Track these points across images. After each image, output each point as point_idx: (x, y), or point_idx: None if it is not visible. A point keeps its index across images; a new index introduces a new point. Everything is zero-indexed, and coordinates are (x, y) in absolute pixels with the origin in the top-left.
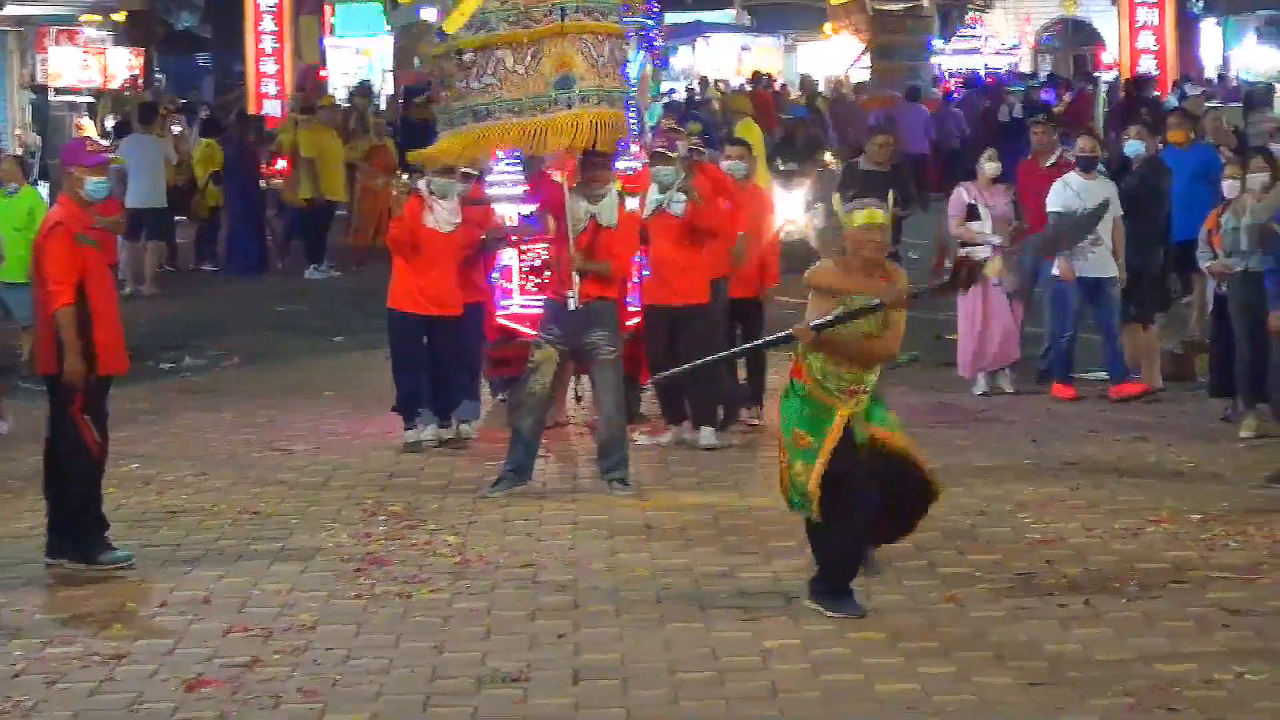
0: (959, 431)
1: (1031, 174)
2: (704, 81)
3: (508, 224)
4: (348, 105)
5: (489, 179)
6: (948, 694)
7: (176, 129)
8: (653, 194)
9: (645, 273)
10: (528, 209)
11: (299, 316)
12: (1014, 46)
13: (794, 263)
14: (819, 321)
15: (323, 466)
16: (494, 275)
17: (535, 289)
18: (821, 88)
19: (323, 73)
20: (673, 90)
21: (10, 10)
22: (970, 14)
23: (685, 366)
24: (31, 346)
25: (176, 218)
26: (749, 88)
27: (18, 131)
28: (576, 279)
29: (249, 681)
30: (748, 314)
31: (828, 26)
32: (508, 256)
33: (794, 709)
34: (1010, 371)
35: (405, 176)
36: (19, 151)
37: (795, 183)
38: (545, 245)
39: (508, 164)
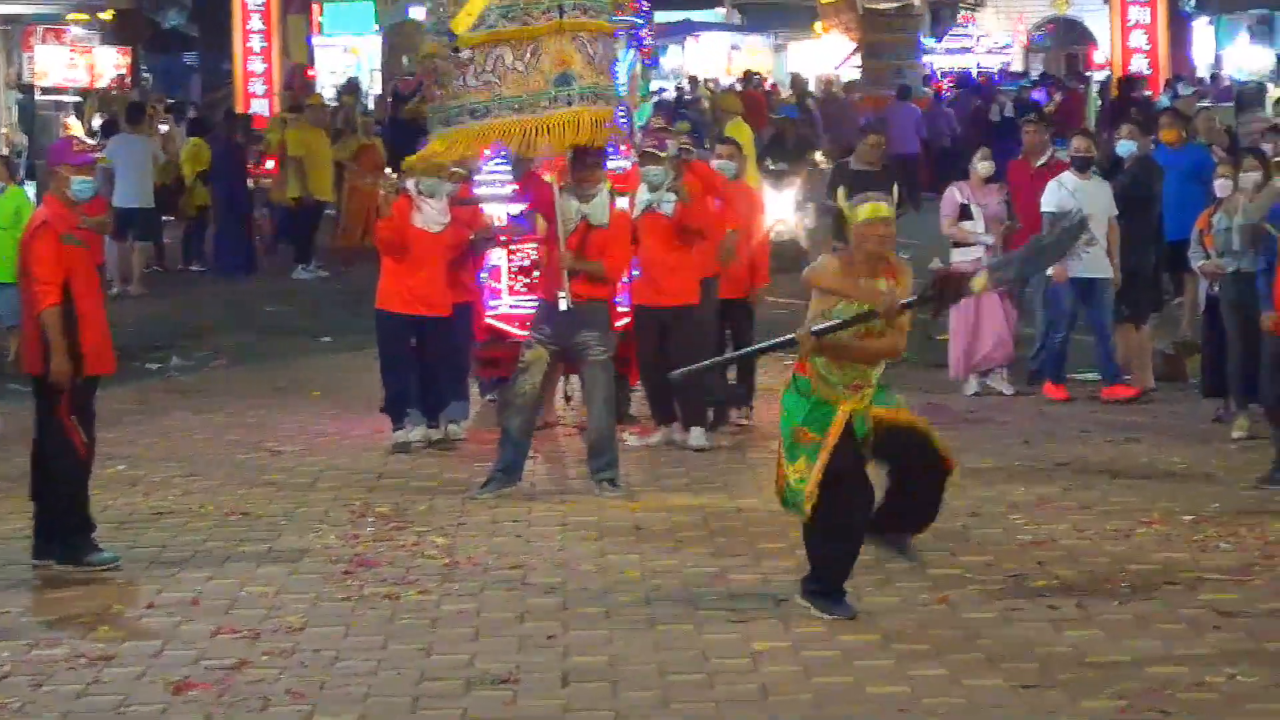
0: (950, 433)
1: (1022, 173)
2: (694, 80)
3: (496, 224)
4: (336, 104)
5: (477, 179)
6: (939, 696)
7: (164, 128)
8: (642, 194)
9: (635, 273)
10: (516, 209)
11: (287, 317)
12: (1006, 46)
13: (784, 263)
14: (819, 327)
15: (311, 467)
16: (483, 275)
17: (524, 289)
18: (812, 87)
19: (310, 72)
20: (662, 89)
21: None
22: (962, 13)
23: (703, 364)
24: (18, 347)
25: (164, 217)
26: (740, 87)
27: (4, 131)
28: (567, 279)
29: (237, 683)
30: (737, 314)
31: (818, 25)
32: (496, 257)
33: (784, 711)
34: (1006, 372)
35: (394, 176)
36: (5, 151)
37: (785, 183)
38: (534, 245)
39: (496, 164)
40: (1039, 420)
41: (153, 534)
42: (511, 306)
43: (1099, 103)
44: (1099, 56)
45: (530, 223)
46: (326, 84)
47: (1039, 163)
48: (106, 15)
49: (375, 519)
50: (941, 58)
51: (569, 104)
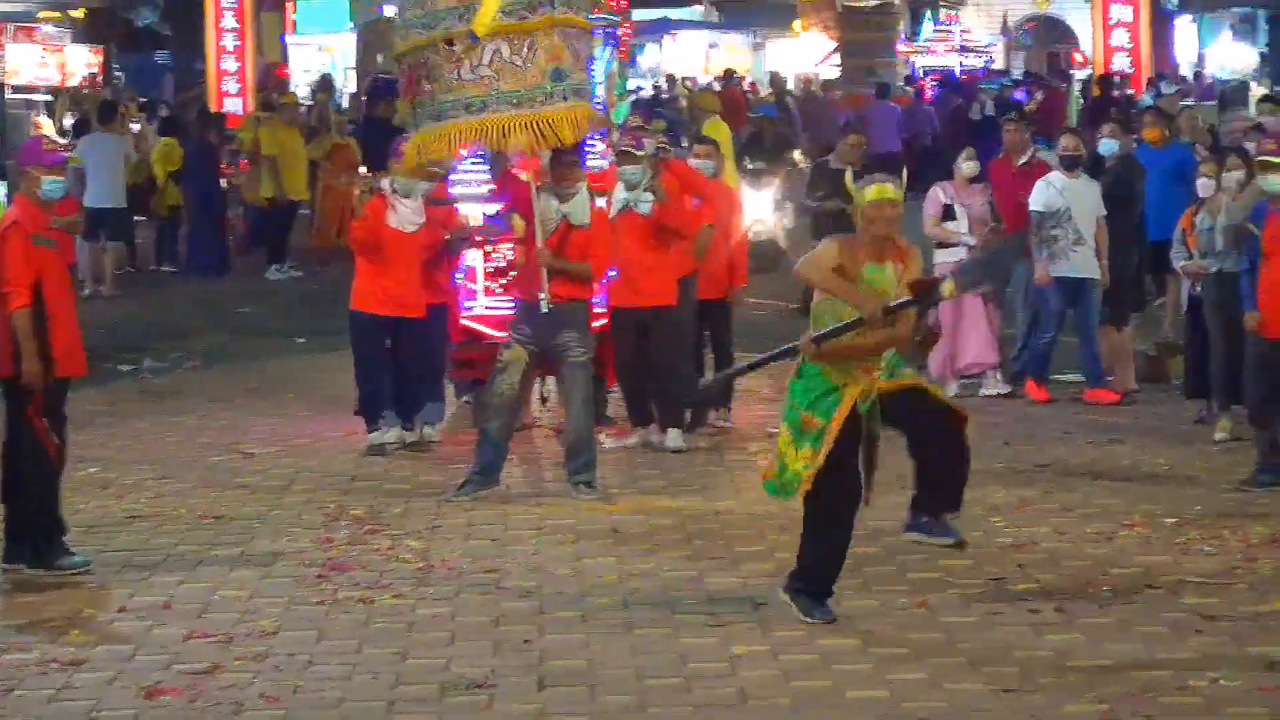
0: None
1: (1004, 172)
2: (671, 79)
3: (472, 224)
4: (310, 103)
5: (453, 178)
6: (919, 701)
7: (136, 127)
8: (619, 193)
9: (611, 273)
10: (492, 209)
11: (260, 318)
12: (989, 44)
13: (762, 263)
14: (819, 334)
15: (284, 470)
16: (458, 276)
17: (500, 290)
18: (791, 85)
19: (282, 70)
20: (639, 88)
21: None
22: (944, 11)
23: (728, 372)
24: None
25: (136, 218)
26: (718, 86)
27: None
28: (547, 280)
29: (209, 688)
30: (715, 315)
31: (797, 24)
32: (472, 257)
33: (763, 715)
34: (999, 373)
35: (368, 175)
36: None
37: (763, 182)
38: (510, 245)
39: (472, 163)
40: (1020, 422)
41: (124, 537)
42: (487, 307)
43: (1081, 101)
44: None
45: (506, 222)
46: (300, 82)
47: (1020, 162)
48: (78, 13)
49: (349, 522)
50: (924, 57)
51: (564, 99)
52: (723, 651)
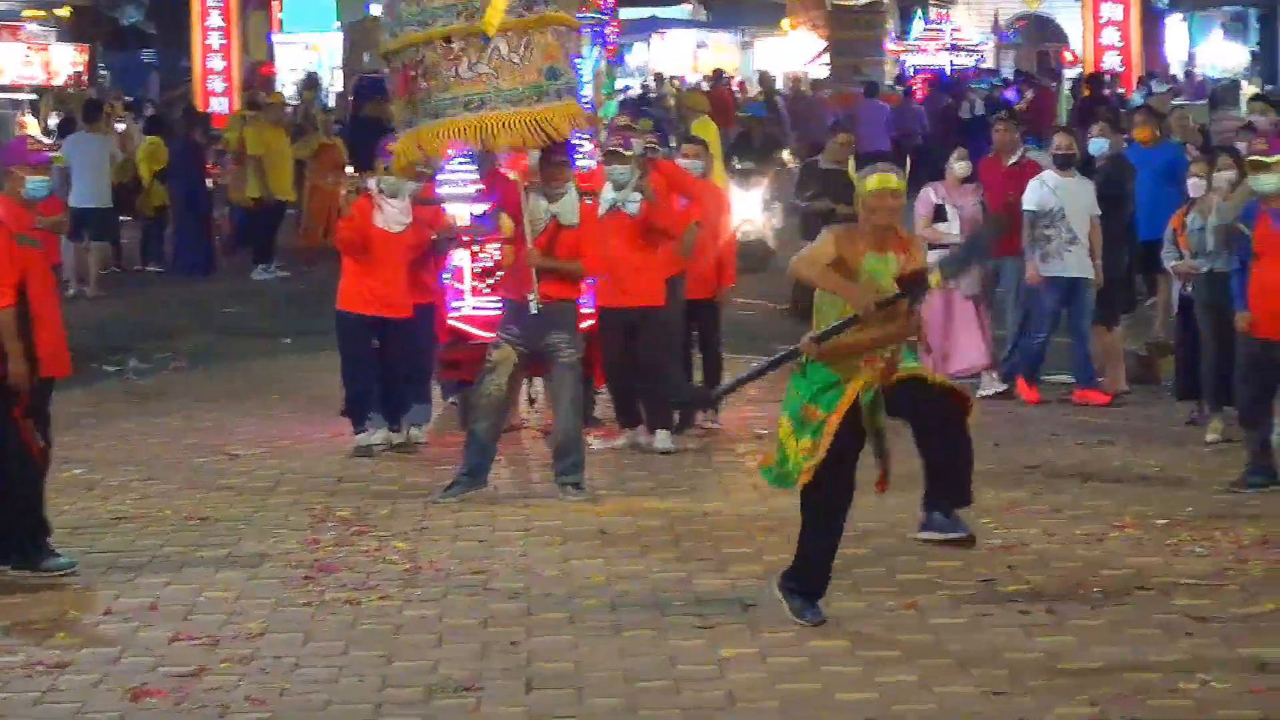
0: None
1: (993, 172)
2: (659, 78)
3: (459, 224)
4: (297, 102)
5: (440, 178)
6: (908, 703)
7: (121, 126)
8: (607, 193)
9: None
10: (479, 209)
11: (246, 318)
12: (980, 43)
13: (750, 263)
14: (819, 334)
15: (270, 471)
16: (445, 276)
17: (488, 290)
18: (780, 84)
19: (266, 69)
20: (627, 87)
21: None
22: (935, 9)
23: (735, 381)
24: None
25: (121, 217)
26: (706, 85)
27: None
28: (536, 280)
29: (195, 690)
30: (704, 315)
31: (785, 22)
32: (459, 257)
33: (752, 718)
34: (995, 372)
35: (355, 175)
36: None
37: (752, 182)
38: (498, 246)
39: (459, 163)
40: (1010, 423)
41: (110, 539)
42: (474, 308)
43: (1071, 100)
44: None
45: (493, 222)
46: (287, 81)
47: (1010, 161)
48: (63, 12)
49: (336, 523)
50: (915, 56)
51: (559, 97)
52: (711, 654)
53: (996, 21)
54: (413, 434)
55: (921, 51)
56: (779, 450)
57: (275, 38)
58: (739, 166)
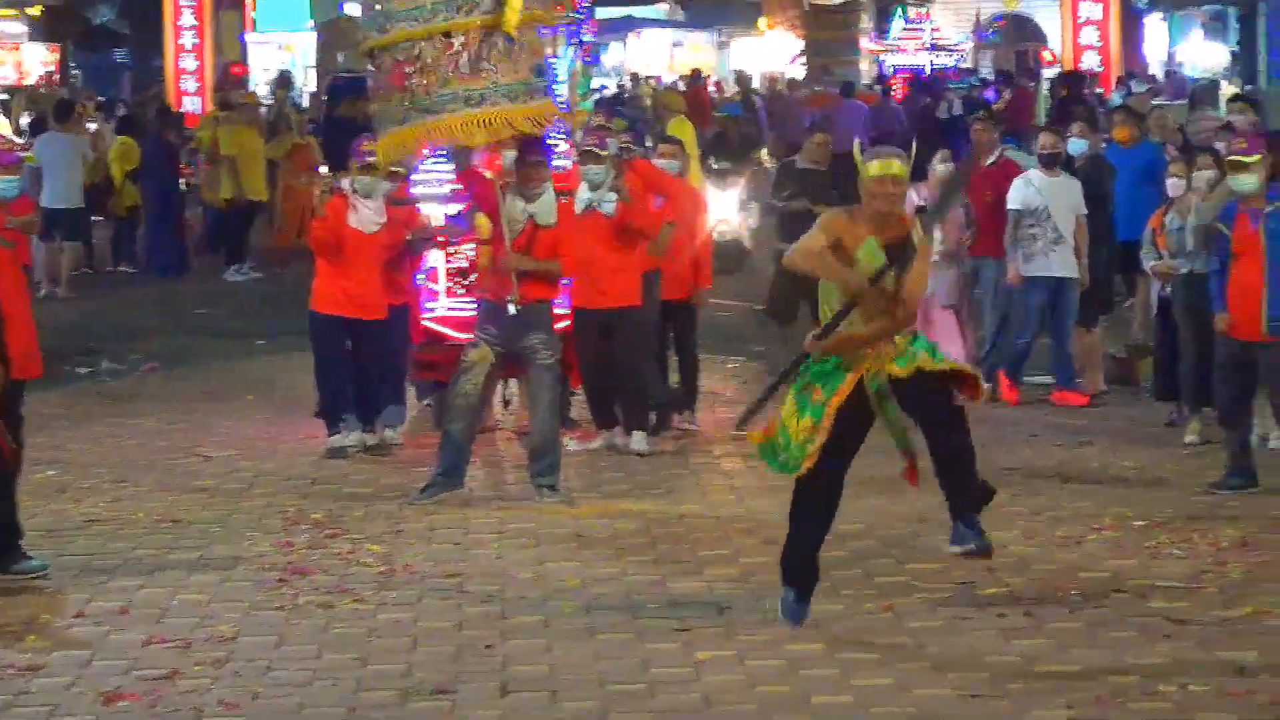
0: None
1: (972, 172)
2: (635, 78)
3: (434, 224)
4: (270, 101)
5: (414, 178)
6: (885, 706)
7: (93, 126)
8: (583, 193)
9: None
10: (454, 209)
11: (219, 319)
12: (959, 43)
13: (727, 264)
14: (819, 331)
15: (243, 473)
16: (420, 277)
17: (463, 291)
18: (757, 84)
19: (237, 68)
20: (603, 86)
21: None
22: (913, 9)
23: (758, 402)
24: None
25: (93, 218)
26: (683, 85)
27: None
28: (515, 281)
29: (168, 694)
30: (680, 316)
31: (762, 22)
32: (434, 258)
33: None
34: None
35: (328, 175)
36: None
37: (729, 182)
38: (473, 246)
39: (434, 162)
40: (987, 425)
41: (82, 541)
42: (449, 309)
43: (1050, 100)
44: (1050, 53)
45: (468, 223)
46: (261, 81)
47: (988, 161)
48: (35, 11)
49: (309, 526)
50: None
51: (544, 95)
52: (687, 657)
53: (978, 20)
54: (387, 435)
55: (901, 51)
56: (780, 429)
57: (248, 37)
58: (715, 166)
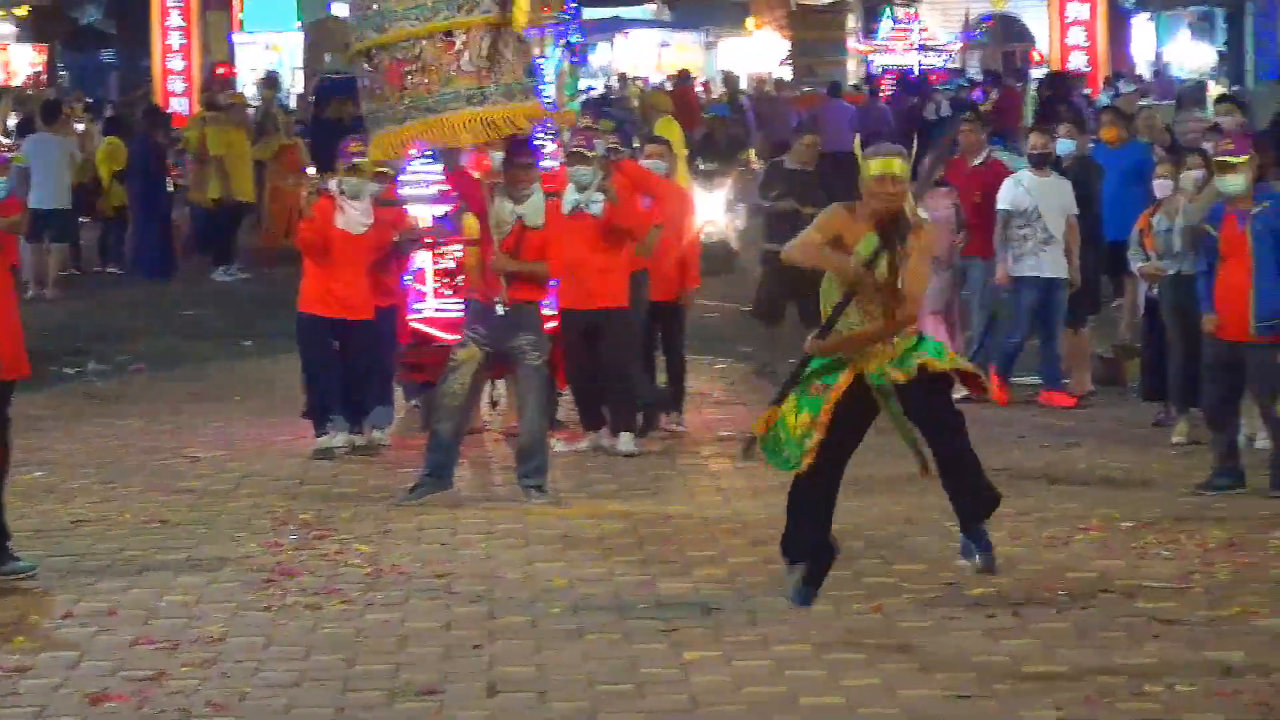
0: (885, 439)
1: (958, 173)
2: (622, 78)
3: (421, 225)
4: (258, 103)
5: (401, 179)
6: (873, 707)
7: (80, 127)
8: (570, 194)
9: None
10: (441, 210)
11: (207, 320)
12: (947, 43)
13: (714, 265)
14: (819, 331)
15: (231, 474)
16: (407, 278)
17: (450, 292)
18: (744, 84)
19: (221, 70)
20: (590, 87)
21: None
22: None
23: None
24: None
25: (81, 218)
26: (670, 86)
27: None
28: (505, 283)
29: (156, 695)
30: (667, 316)
31: (749, 22)
32: (421, 259)
33: None
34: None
35: (316, 176)
36: None
37: (716, 183)
38: (460, 247)
39: (422, 163)
40: (976, 425)
41: (70, 542)
42: (436, 310)
43: (1037, 100)
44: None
45: (455, 224)
46: (248, 81)
47: (975, 162)
48: (21, 11)
49: (297, 527)
50: (883, 56)
51: (535, 94)
52: (674, 657)
53: (967, 20)
54: (375, 436)
55: (889, 51)
56: (779, 424)
57: (236, 37)
58: (703, 167)
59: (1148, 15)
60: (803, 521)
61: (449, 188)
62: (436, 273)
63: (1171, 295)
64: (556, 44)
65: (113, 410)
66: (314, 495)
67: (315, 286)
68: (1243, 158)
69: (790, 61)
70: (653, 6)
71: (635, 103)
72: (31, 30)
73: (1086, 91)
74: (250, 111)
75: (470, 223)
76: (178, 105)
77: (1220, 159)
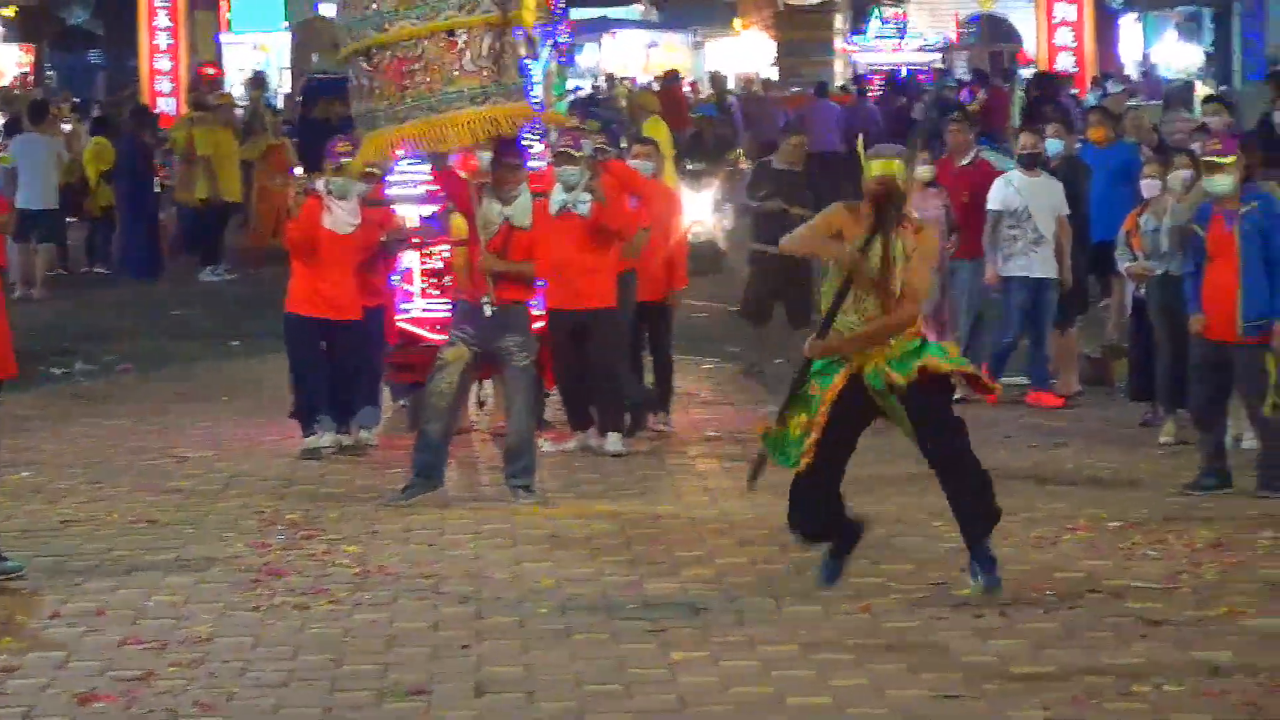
0: (874, 440)
1: (945, 173)
2: (610, 79)
3: (409, 225)
4: (245, 102)
5: (389, 179)
6: (861, 707)
7: (67, 127)
8: (557, 194)
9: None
10: (429, 210)
11: (194, 320)
12: (936, 43)
13: (701, 265)
14: (818, 331)
15: (219, 474)
16: (395, 278)
17: (438, 293)
18: (732, 85)
19: (209, 70)
20: (578, 87)
21: None
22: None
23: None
24: None
25: (68, 219)
26: (657, 86)
27: None
28: (491, 283)
29: (144, 695)
30: (655, 317)
31: (737, 22)
32: (409, 259)
33: None
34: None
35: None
36: None
37: (703, 183)
38: (448, 247)
39: (409, 164)
40: None
41: (57, 542)
42: (424, 310)
43: (1024, 101)
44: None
45: (443, 224)
46: (236, 81)
47: (963, 162)
48: (9, 11)
49: (285, 527)
50: (871, 55)
51: (523, 94)
52: (662, 658)
53: (958, 22)
54: (362, 436)
55: (878, 51)
56: (783, 420)
57: (223, 38)
58: (690, 167)
59: (1135, 15)
60: (803, 520)
61: (436, 188)
62: (424, 273)
63: (1159, 295)
64: (544, 44)
65: (100, 410)
66: (301, 495)
67: (303, 286)
68: (1230, 158)
69: (776, 62)
70: (640, 7)
71: (623, 103)
72: (19, 30)
73: (1074, 92)
74: (238, 111)
75: (458, 223)
76: (165, 105)
77: (1208, 159)
